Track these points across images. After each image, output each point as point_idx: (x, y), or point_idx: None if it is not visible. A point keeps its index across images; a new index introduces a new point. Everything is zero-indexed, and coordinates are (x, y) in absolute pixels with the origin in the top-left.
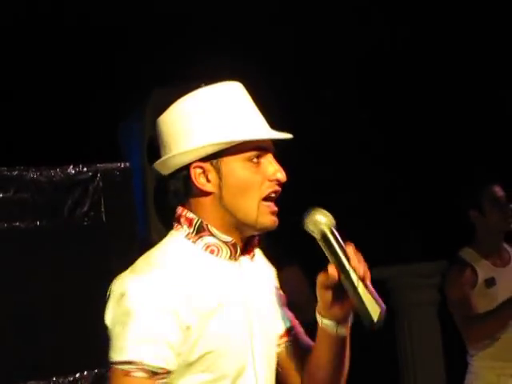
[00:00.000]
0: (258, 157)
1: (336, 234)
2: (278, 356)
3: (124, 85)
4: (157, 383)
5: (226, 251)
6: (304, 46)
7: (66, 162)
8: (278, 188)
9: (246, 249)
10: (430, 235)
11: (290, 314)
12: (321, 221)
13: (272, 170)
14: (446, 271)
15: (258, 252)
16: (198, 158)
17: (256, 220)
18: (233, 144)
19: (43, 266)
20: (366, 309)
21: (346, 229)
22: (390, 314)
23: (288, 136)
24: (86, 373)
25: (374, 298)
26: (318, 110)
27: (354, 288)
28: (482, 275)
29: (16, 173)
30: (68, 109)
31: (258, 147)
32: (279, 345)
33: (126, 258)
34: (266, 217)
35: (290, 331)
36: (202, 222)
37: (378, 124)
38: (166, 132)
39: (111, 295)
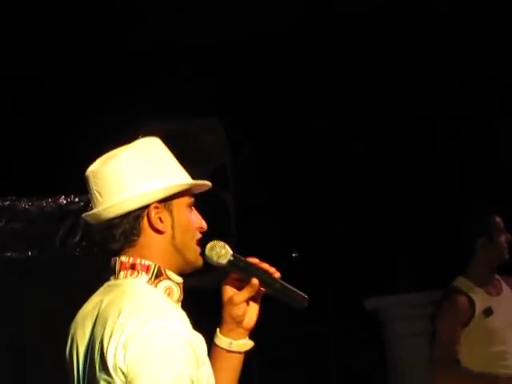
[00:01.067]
0: (191, 204)
1: (238, 255)
2: None
3: (117, 115)
4: None
5: (176, 292)
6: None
7: (58, 193)
8: (199, 233)
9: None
10: (422, 265)
11: None
12: (221, 251)
13: (199, 217)
14: (440, 301)
15: None
16: (157, 199)
17: (195, 259)
18: (188, 187)
19: (34, 296)
20: (294, 296)
21: (338, 260)
22: (381, 344)
23: (209, 183)
24: None
25: (294, 289)
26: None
27: (277, 285)
28: (479, 305)
29: (8, 203)
30: (59, 139)
31: (191, 196)
32: None
33: None
34: (199, 257)
35: None
36: (159, 266)
37: (372, 153)
38: (116, 177)
39: (143, 337)
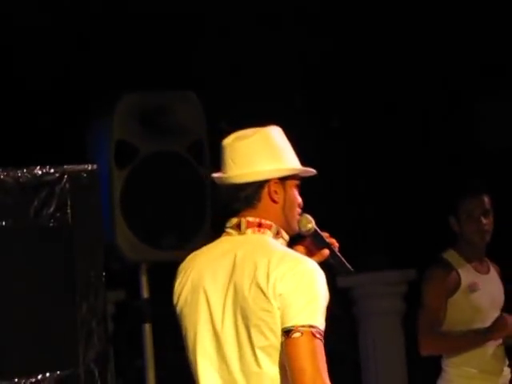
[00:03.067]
0: (298, 185)
1: (318, 229)
2: None
3: (93, 88)
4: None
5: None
6: None
7: (33, 163)
8: (299, 210)
9: None
10: (395, 243)
11: None
12: (308, 224)
13: (299, 198)
14: (428, 271)
15: None
16: (279, 176)
17: (294, 227)
18: (302, 172)
19: (7, 266)
20: (344, 264)
21: None
22: (353, 322)
23: (314, 171)
24: (48, 374)
25: (345, 261)
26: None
27: (336, 257)
28: (465, 279)
29: None
30: (36, 109)
31: (299, 179)
32: None
33: (89, 260)
34: (296, 226)
35: None
36: (277, 227)
37: (345, 133)
38: (250, 151)
39: (296, 273)
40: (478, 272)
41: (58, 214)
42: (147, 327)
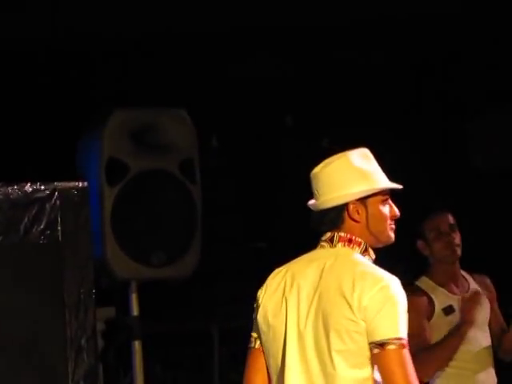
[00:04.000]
0: (386, 199)
1: None
2: None
3: (84, 105)
4: None
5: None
6: None
7: (24, 180)
8: (392, 222)
9: None
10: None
11: None
12: None
13: (393, 210)
14: None
15: None
16: (354, 198)
17: (387, 240)
18: (376, 191)
19: None
20: None
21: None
22: None
23: (400, 186)
24: None
25: None
26: None
27: None
28: (438, 304)
29: None
30: (27, 126)
31: (385, 193)
32: None
33: (79, 278)
34: (390, 237)
35: None
36: (366, 244)
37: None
38: (329, 179)
39: (387, 287)
40: (454, 294)
41: (49, 231)
42: (137, 344)
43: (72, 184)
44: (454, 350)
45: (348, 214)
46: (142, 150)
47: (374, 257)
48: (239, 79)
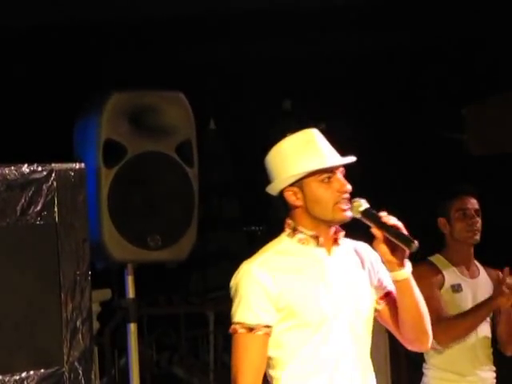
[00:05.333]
0: (328, 177)
1: (368, 211)
2: (382, 313)
3: (82, 87)
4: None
5: (313, 241)
6: None
7: (21, 161)
8: (343, 196)
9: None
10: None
11: (388, 280)
12: (361, 205)
13: (340, 185)
14: (414, 270)
15: (347, 241)
16: (285, 184)
17: (333, 217)
18: (307, 173)
19: None
20: (404, 238)
21: None
22: None
23: (345, 161)
24: (32, 372)
25: (406, 234)
26: None
27: (390, 231)
28: (448, 280)
29: None
30: (24, 107)
31: (326, 172)
32: (379, 305)
33: (75, 259)
34: (338, 214)
35: (387, 294)
36: (294, 225)
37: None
38: (270, 166)
39: (233, 279)
40: (464, 276)
41: (45, 213)
42: (132, 326)
43: (69, 165)
44: (479, 323)
45: (287, 200)
46: (139, 133)
47: (310, 233)
48: (237, 63)
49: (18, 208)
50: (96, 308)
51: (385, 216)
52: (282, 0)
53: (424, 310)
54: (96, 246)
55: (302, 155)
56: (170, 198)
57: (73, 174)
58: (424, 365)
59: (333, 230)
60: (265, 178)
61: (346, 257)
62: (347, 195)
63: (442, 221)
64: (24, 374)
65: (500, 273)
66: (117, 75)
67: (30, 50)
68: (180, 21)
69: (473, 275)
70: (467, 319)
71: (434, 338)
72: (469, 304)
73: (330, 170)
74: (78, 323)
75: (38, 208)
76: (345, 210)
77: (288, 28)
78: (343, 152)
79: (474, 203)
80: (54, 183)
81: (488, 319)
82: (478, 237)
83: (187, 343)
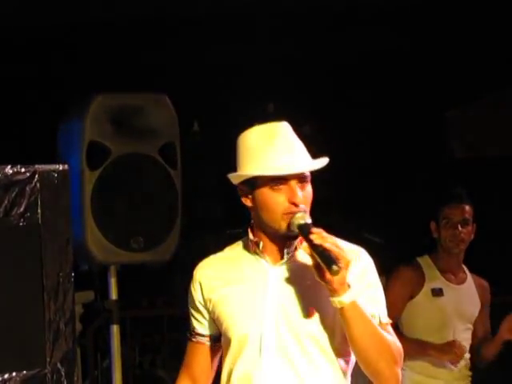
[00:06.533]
0: (280, 184)
1: (305, 227)
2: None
3: (66, 88)
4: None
5: (256, 249)
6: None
7: (4, 162)
8: (294, 209)
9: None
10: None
11: (366, 297)
12: (299, 220)
13: (291, 196)
14: (396, 269)
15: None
16: (236, 183)
17: (278, 227)
18: (253, 176)
19: None
20: (326, 259)
21: None
22: None
23: (303, 168)
24: (14, 374)
25: (330, 255)
26: None
27: (315, 250)
28: (429, 284)
29: None
30: (7, 108)
31: (278, 178)
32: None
33: (58, 261)
34: (284, 225)
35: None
36: (249, 228)
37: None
38: (235, 153)
39: None
40: (448, 281)
41: (28, 214)
42: (115, 328)
43: (52, 167)
44: (417, 355)
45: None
46: (123, 134)
47: (253, 238)
48: (221, 65)
49: (1, 209)
50: (79, 309)
51: (316, 233)
52: (264, 3)
53: (375, 347)
54: (79, 248)
55: (257, 154)
56: (153, 199)
57: (56, 175)
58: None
59: (287, 239)
60: None
61: (303, 271)
62: (301, 207)
63: (433, 225)
64: (6, 376)
65: (485, 283)
66: (101, 77)
67: (14, 51)
68: (166, 21)
69: (459, 281)
70: (407, 346)
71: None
72: (450, 309)
73: (283, 178)
74: (61, 325)
75: (21, 209)
76: (290, 223)
77: (277, 30)
78: (316, 153)
79: (462, 212)
80: (38, 184)
81: (469, 326)
82: (462, 246)
83: (170, 345)
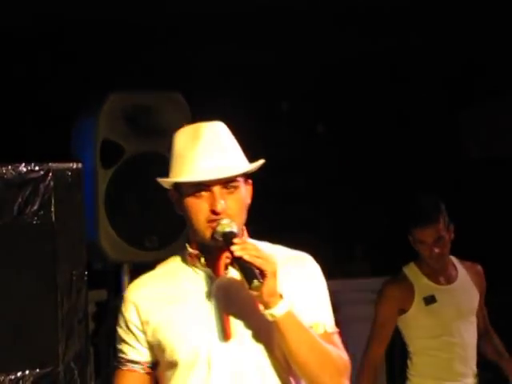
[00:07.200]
0: (202, 190)
1: (229, 236)
2: None
3: (80, 86)
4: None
5: (196, 261)
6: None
7: (18, 160)
8: (213, 217)
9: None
10: (376, 252)
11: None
12: (219, 230)
13: (212, 204)
14: (383, 287)
15: (278, 253)
16: (167, 187)
17: (203, 236)
18: (172, 183)
19: None
20: (246, 272)
21: (296, 241)
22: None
23: (222, 174)
24: (27, 372)
25: (251, 268)
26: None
27: (237, 261)
28: (419, 293)
29: None
30: (23, 107)
31: (199, 185)
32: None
33: (72, 259)
34: (206, 234)
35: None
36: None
37: (333, 140)
38: None
39: None
40: (438, 284)
41: (42, 212)
42: None
43: (66, 165)
44: None
45: None
46: (137, 133)
47: (188, 250)
48: (235, 65)
49: (15, 207)
50: (92, 308)
51: (237, 244)
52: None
53: (316, 360)
54: (92, 246)
55: (180, 157)
56: (167, 198)
57: (70, 173)
58: (408, 370)
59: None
60: (255, 176)
61: (235, 286)
62: (214, 217)
63: (410, 239)
64: (19, 374)
65: (478, 268)
66: (116, 75)
67: (29, 49)
68: (184, 20)
69: (450, 280)
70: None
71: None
72: (447, 313)
73: (205, 185)
74: (74, 323)
75: (35, 207)
76: (213, 232)
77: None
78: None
79: (435, 232)
80: (51, 183)
81: (473, 319)
82: (442, 260)
83: None
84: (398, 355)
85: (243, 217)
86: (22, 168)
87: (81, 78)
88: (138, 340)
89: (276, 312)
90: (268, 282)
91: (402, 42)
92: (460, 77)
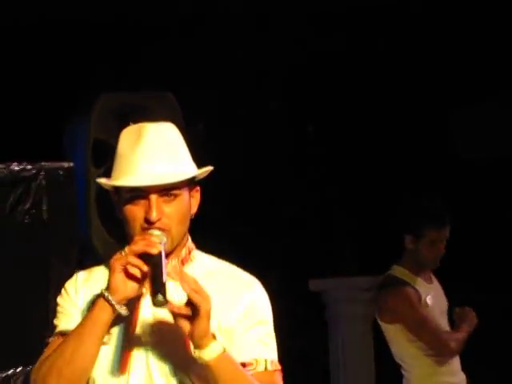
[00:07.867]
0: (140, 197)
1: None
2: None
3: (73, 85)
4: None
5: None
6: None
7: (10, 159)
8: (146, 225)
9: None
10: (367, 250)
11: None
12: (159, 238)
13: (144, 211)
14: (399, 292)
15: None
16: (108, 189)
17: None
18: (108, 187)
19: None
20: (155, 285)
21: (286, 240)
22: (324, 325)
23: (160, 181)
24: (18, 370)
25: (161, 280)
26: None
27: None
28: (423, 294)
29: None
30: (14, 105)
31: (136, 190)
32: None
33: (64, 258)
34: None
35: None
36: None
37: (321, 139)
38: None
39: None
40: (427, 283)
41: (34, 211)
42: None
43: (58, 164)
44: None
45: None
46: None
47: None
48: (225, 64)
49: (7, 206)
50: None
51: (174, 273)
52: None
53: None
54: (84, 246)
55: (119, 159)
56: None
57: (62, 172)
58: (405, 373)
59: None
60: (251, 177)
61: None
62: (145, 225)
63: (409, 238)
64: (11, 372)
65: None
66: (107, 75)
67: (21, 48)
68: (174, 20)
69: (429, 281)
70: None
71: (450, 352)
72: (436, 310)
73: (141, 191)
74: None
75: (27, 206)
76: (148, 241)
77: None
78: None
79: (446, 233)
80: (43, 181)
81: (446, 316)
82: (438, 263)
83: None
84: (390, 357)
85: (183, 227)
86: (14, 167)
87: (72, 77)
88: (72, 306)
89: (207, 355)
90: (201, 322)
91: (392, 42)
92: (450, 78)
